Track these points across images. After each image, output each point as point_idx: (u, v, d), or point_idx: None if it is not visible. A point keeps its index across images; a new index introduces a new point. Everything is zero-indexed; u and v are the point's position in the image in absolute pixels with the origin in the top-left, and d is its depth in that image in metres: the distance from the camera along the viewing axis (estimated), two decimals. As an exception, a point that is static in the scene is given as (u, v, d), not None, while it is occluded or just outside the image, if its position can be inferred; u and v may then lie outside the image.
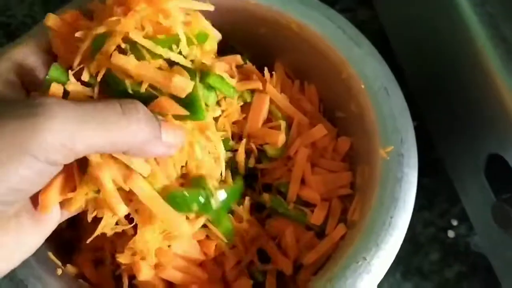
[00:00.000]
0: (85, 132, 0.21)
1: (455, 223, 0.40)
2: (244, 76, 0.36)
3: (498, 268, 0.36)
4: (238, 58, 0.35)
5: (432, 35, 0.37)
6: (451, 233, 0.40)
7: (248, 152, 0.35)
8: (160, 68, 0.26)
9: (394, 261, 0.39)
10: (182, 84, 0.25)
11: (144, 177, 0.26)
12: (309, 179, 0.34)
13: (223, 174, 0.31)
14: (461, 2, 0.33)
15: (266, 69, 0.36)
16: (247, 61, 0.37)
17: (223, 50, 0.38)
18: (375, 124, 0.32)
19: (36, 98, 0.22)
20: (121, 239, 0.30)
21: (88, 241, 0.27)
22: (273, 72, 0.37)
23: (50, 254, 0.30)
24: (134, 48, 0.25)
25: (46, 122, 0.21)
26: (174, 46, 0.26)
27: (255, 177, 0.36)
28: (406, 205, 0.30)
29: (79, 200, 0.25)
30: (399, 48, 0.42)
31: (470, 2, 0.33)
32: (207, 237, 0.31)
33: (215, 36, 0.31)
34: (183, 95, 0.25)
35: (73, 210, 0.26)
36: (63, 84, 0.25)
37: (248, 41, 0.38)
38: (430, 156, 0.41)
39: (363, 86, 0.33)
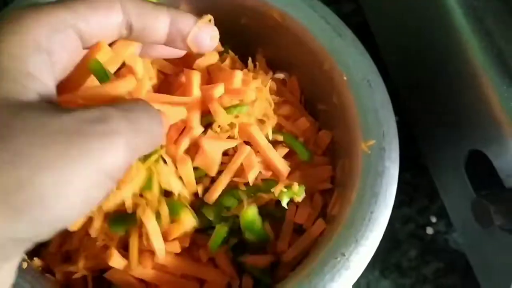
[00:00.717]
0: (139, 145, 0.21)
1: (434, 219, 0.40)
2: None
3: (476, 265, 0.36)
4: (217, 46, 0.34)
5: (416, 29, 0.36)
6: (429, 230, 0.40)
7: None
8: None
9: (373, 257, 0.39)
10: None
11: None
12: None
13: None
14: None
15: (250, 59, 0.35)
16: (229, 51, 0.35)
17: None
18: (357, 117, 0.31)
19: (99, 111, 0.20)
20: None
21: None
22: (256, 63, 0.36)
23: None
24: None
25: (120, 141, 0.19)
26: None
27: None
28: (387, 200, 0.29)
29: None
30: (383, 41, 0.42)
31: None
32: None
33: None
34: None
35: None
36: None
37: (229, 31, 0.36)
38: (411, 151, 0.41)
39: (345, 78, 0.32)
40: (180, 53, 0.28)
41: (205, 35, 0.26)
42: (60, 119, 0.18)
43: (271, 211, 0.31)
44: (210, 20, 0.27)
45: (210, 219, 0.29)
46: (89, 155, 0.18)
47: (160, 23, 0.25)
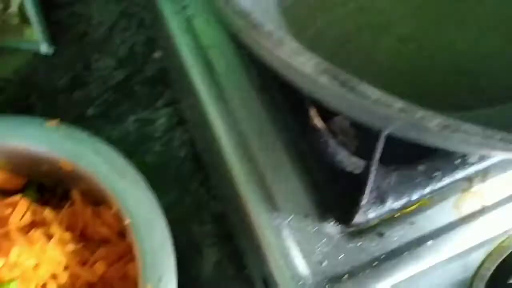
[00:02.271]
0: None
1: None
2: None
3: None
4: (18, 199, 0.36)
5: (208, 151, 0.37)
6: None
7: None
8: None
9: None
10: None
11: None
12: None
13: None
14: (216, 122, 0.33)
15: (47, 210, 0.36)
16: (32, 203, 0.37)
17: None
18: (139, 260, 0.32)
19: None
20: None
21: None
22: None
23: None
24: None
25: None
26: None
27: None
28: None
29: None
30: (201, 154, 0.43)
31: (225, 127, 0.33)
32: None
33: None
34: None
35: None
36: None
37: (42, 176, 0.38)
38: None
39: (128, 221, 0.33)
40: None
41: None
42: None
43: None
44: None
45: None
46: None
47: None
